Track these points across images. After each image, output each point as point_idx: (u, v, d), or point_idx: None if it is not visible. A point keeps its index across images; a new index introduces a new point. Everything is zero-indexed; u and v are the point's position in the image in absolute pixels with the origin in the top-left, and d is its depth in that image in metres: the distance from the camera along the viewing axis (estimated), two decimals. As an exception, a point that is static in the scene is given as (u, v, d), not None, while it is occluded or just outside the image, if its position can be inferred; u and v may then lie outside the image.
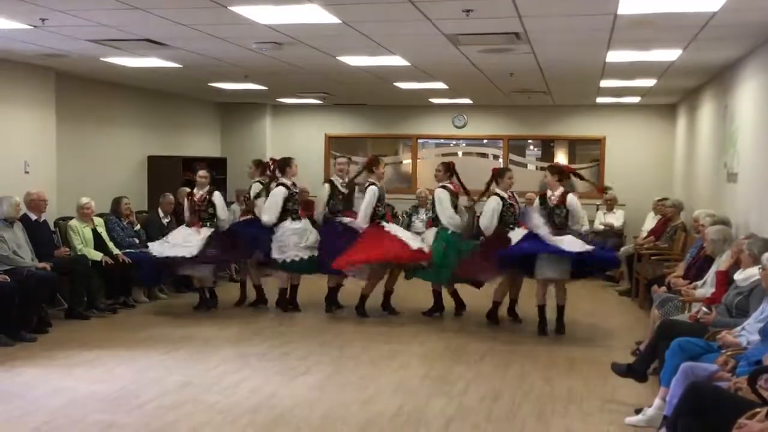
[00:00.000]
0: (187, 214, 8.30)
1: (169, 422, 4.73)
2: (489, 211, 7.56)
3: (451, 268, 7.63)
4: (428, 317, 8.05)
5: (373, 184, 7.95)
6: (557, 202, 7.41)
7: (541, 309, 7.40)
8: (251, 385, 5.57)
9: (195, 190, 8.30)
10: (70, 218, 8.31)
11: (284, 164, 8.24)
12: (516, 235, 7.36)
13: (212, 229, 8.11)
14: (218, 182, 8.33)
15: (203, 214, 8.17)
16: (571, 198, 7.43)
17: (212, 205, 8.20)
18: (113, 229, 8.64)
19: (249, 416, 4.88)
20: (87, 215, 8.25)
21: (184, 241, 7.95)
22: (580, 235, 7.40)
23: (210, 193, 8.25)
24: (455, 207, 7.82)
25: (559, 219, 7.36)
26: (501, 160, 13.19)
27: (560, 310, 7.40)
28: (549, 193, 7.50)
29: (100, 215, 8.62)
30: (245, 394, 5.36)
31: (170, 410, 4.96)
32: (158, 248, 7.98)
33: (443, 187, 7.85)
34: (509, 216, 7.57)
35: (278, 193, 8.04)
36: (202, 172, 8.29)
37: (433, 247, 7.69)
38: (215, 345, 6.80)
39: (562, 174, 7.67)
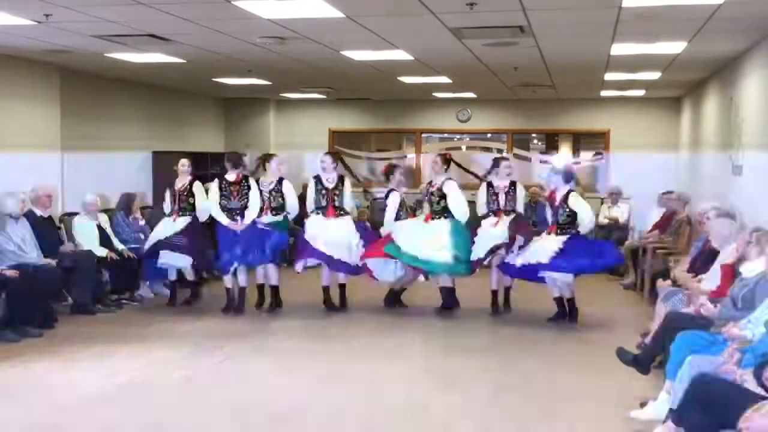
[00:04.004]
0: (167, 204, 8.24)
1: (174, 417, 4.75)
2: (477, 200, 7.95)
3: (468, 260, 7.65)
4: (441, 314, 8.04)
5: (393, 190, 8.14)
6: (560, 203, 7.49)
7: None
8: (256, 379, 5.58)
9: (177, 181, 8.23)
10: (76, 214, 8.34)
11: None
12: (483, 225, 7.69)
13: (188, 219, 8.09)
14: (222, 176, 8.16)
15: (183, 204, 8.12)
16: (573, 197, 7.46)
17: (193, 195, 8.15)
18: (118, 224, 8.66)
19: (254, 410, 4.89)
20: (93, 212, 8.27)
21: (161, 231, 8.06)
22: (584, 238, 7.52)
23: (191, 183, 8.20)
24: None
25: (563, 218, 7.46)
26: (505, 154, 13.16)
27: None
28: (556, 192, 7.58)
29: (106, 211, 8.64)
30: (250, 388, 5.37)
31: (175, 405, 4.98)
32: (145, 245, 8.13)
33: (450, 178, 7.86)
34: (491, 203, 7.77)
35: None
36: (183, 161, 8.29)
37: (452, 239, 7.63)
38: (220, 340, 6.81)
39: (566, 173, 7.67)
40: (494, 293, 7.99)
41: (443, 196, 7.74)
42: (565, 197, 7.46)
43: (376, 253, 7.74)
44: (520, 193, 7.92)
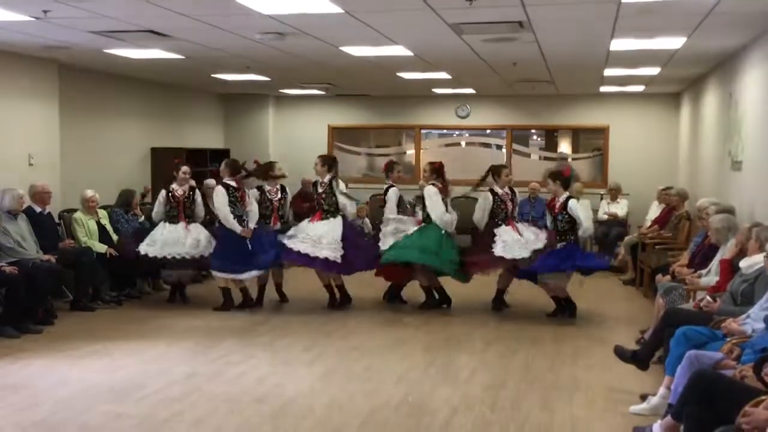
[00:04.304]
0: (160, 209, 8.10)
1: (175, 412, 4.75)
2: (480, 207, 7.87)
3: (456, 263, 7.69)
4: (430, 310, 8.03)
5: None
6: (559, 209, 7.48)
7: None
8: (256, 375, 5.59)
9: (175, 186, 8.12)
10: (75, 210, 8.34)
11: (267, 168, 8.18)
12: (503, 232, 7.60)
13: (201, 228, 8.09)
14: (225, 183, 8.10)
15: (188, 211, 8.08)
16: (572, 204, 7.44)
17: (194, 202, 8.15)
18: (118, 221, 8.66)
19: (254, 406, 4.90)
20: (92, 208, 8.27)
21: (173, 240, 7.89)
22: (579, 247, 7.67)
23: (192, 189, 8.18)
24: (444, 206, 7.82)
25: (562, 225, 7.45)
26: (504, 150, 13.16)
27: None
28: (555, 199, 7.58)
29: (104, 207, 8.64)
30: (250, 384, 5.38)
31: (176, 401, 4.98)
32: (146, 249, 7.90)
33: (432, 184, 7.85)
34: (499, 212, 7.75)
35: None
36: (185, 168, 8.20)
37: (425, 243, 7.65)
38: (220, 335, 6.82)
39: (564, 179, 7.64)
40: (499, 291, 8.00)
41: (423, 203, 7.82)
42: (564, 204, 7.46)
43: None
44: (518, 198, 8.04)
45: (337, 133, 13.76)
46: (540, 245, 7.42)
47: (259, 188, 8.07)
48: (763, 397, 3.21)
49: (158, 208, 8.17)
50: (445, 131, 14.05)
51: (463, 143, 14.03)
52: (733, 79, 7.97)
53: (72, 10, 5.82)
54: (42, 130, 8.66)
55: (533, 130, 14.27)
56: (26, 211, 7.55)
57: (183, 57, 8.36)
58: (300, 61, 8.57)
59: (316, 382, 5.45)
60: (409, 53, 7.97)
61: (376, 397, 5.12)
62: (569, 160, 13.33)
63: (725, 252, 5.89)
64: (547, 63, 8.67)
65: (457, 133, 14.04)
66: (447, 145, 13.68)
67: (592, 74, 9.76)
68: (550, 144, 14.19)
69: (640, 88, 11.55)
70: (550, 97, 12.64)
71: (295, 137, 13.47)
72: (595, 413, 4.84)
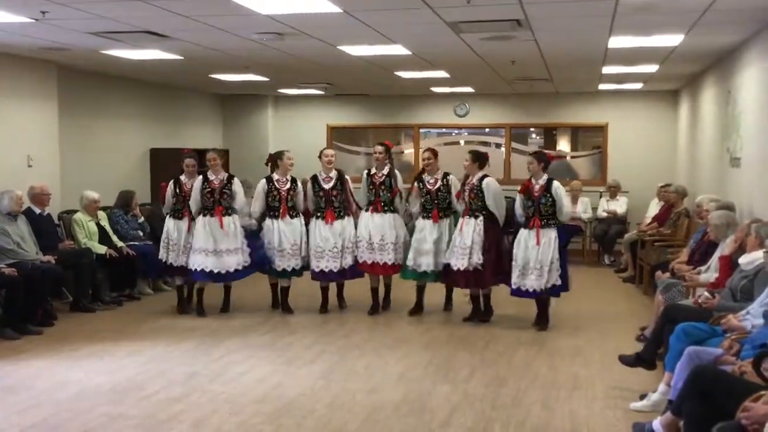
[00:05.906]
0: (168, 202, 7.85)
1: (175, 413, 4.76)
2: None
3: None
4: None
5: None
6: (540, 191, 7.00)
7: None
8: (257, 375, 5.59)
9: (184, 178, 7.89)
10: (74, 211, 8.34)
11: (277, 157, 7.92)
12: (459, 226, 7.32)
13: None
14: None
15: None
16: (556, 185, 7.03)
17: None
18: (117, 222, 8.67)
19: (255, 406, 4.90)
20: (95, 210, 8.28)
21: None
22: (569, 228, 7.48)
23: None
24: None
25: (545, 208, 6.97)
26: (503, 148, 13.17)
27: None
28: (533, 181, 7.06)
29: (104, 208, 8.64)
30: (251, 383, 5.39)
31: (176, 401, 4.99)
32: (166, 255, 7.75)
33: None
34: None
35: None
36: (188, 161, 7.93)
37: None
38: (220, 335, 6.83)
39: (547, 161, 7.24)
40: (473, 298, 7.51)
41: (449, 192, 7.51)
42: (546, 186, 7.00)
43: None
44: (489, 189, 7.14)
45: (335, 133, 13.76)
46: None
47: (268, 178, 7.82)
48: (763, 392, 3.21)
49: (167, 201, 7.89)
50: (443, 130, 14.04)
51: (461, 142, 14.02)
52: (731, 76, 7.97)
53: (70, 11, 5.82)
54: (41, 132, 8.66)
55: (532, 129, 14.27)
56: (26, 213, 7.56)
57: (181, 57, 8.36)
58: (298, 60, 8.58)
59: (317, 382, 5.45)
60: (408, 52, 7.97)
61: (376, 395, 5.13)
62: (568, 158, 13.35)
63: (724, 248, 5.90)
64: (545, 61, 8.67)
65: (455, 132, 14.03)
66: (446, 144, 13.66)
67: (590, 72, 9.76)
68: (549, 142, 14.19)
69: (638, 85, 11.56)
70: (548, 95, 12.64)
71: (294, 137, 13.45)
72: (595, 410, 4.85)
